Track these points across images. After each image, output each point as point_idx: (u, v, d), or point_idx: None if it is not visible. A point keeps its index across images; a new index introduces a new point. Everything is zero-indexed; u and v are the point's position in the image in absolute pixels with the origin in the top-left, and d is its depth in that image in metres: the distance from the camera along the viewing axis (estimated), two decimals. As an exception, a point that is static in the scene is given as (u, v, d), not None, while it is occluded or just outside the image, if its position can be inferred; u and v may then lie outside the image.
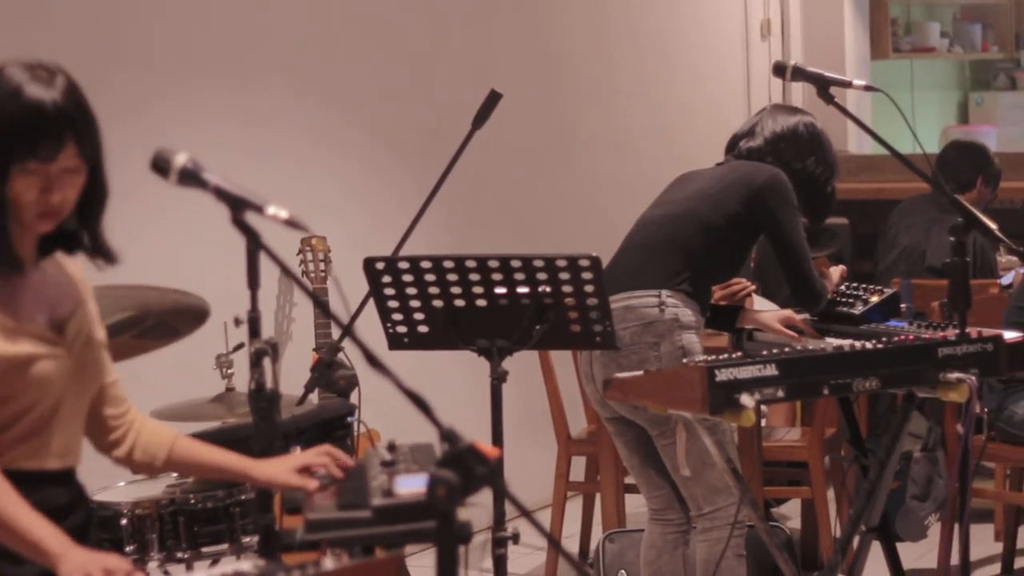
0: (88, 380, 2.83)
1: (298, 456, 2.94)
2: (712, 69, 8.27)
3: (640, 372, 4.05)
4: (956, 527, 4.59)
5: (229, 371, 4.68)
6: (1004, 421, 5.44)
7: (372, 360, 2.34)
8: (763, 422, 5.80)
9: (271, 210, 2.63)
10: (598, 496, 5.78)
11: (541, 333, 3.93)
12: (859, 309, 4.57)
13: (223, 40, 5.69)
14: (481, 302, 3.94)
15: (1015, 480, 5.80)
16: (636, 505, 5.71)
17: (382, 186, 6.28)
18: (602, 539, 5.25)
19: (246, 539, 4.02)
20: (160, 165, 2.68)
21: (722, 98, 8.25)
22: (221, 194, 2.65)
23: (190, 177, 2.67)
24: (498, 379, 3.91)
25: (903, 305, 4.67)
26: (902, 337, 4.10)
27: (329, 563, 2.31)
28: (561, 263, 3.88)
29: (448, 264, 3.91)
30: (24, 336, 2.70)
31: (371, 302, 4.05)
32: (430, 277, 3.93)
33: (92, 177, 2.72)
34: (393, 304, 4.00)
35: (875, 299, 4.58)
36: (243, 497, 4.02)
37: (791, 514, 6.33)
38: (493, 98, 4.35)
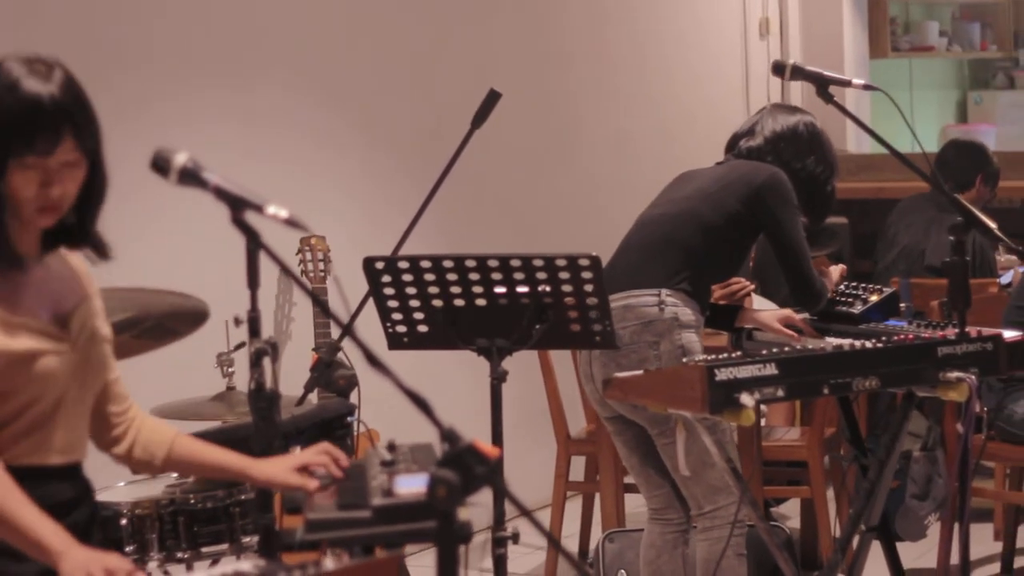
0: (92, 375, 2.83)
1: (297, 455, 2.94)
2: (711, 68, 8.27)
3: (640, 371, 4.05)
4: (956, 526, 4.59)
5: (230, 370, 4.69)
6: (1004, 420, 5.44)
7: (372, 360, 2.34)
8: (763, 421, 5.80)
9: (271, 209, 2.63)
10: (597, 496, 5.77)
11: (541, 333, 3.93)
12: (858, 308, 4.57)
13: (223, 40, 5.69)
14: (481, 302, 3.94)
15: (1015, 479, 5.80)
16: (635, 505, 5.71)
17: (381, 186, 6.28)
18: (602, 539, 5.25)
19: (246, 539, 4.02)
20: (160, 164, 2.68)
21: (721, 97, 8.25)
22: (221, 193, 2.65)
23: (190, 176, 2.67)
24: (498, 379, 3.91)
25: (902, 304, 4.68)
26: (902, 336, 4.10)
27: (329, 563, 2.31)
28: (561, 263, 3.88)
29: (448, 264, 3.91)
30: (25, 331, 2.70)
31: (370, 302, 4.05)
32: (430, 277, 3.93)
33: (92, 171, 2.72)
34: (393, 304, 4.00)
35: (874, 298, 4.58)
36: (243, 497, 4.01)
37: (791, 514, 6.33)
38: (492, 97, 4.35)
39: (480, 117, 4.35)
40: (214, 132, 5.54)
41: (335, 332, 5.18)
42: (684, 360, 4.03)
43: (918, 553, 5.72)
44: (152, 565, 3.94)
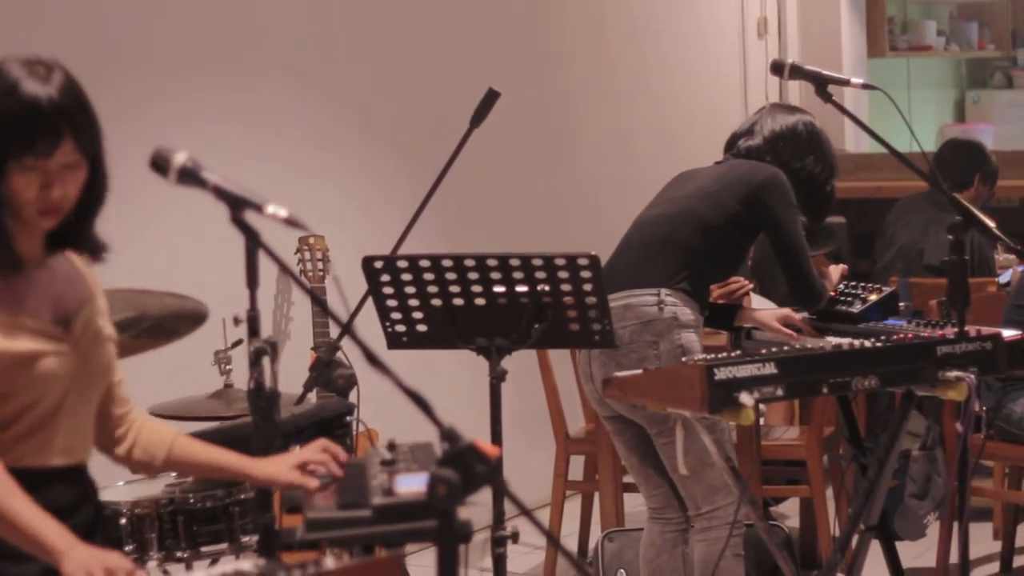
0: (96, 376, 2.83)
1: (296, 453, 2.93)
2: (709, 68, 8.28)
3: (639, 371, 4.06)
4: (955, 525, 4.59)
5: (227, 367, 4.69)
6: (1003, 419, 5.45)
7: (372, 359, 2.34)
8: (761, 421, 5.80)
9: (270, 209, 2.63)
10: (596, 495, 5.78)
11: (540, 332, 3.93)
12: (857, 308, 4.57)
13: (223, 40, 5.69)
14: (480, 301, 3.94)
15: (1014, 478, 5.81)
16: (635, 504, 5.71)
17: (381, 186, 6.28)
18: (601, 538, 5.25)
19: (245, 538, 4.02)
20: (159, 164, 2.68)
21: (719, 97, 8.25)
22: (220, 193, 2.65)
23: (189, 176, 2.67)
24: (497, 378, 3.91)
25: (901, 304, 4.68)
26: (901, 336, 4.10)
27: (329, 562, 2.31)
28: (560, 262, 3.88)
29: (447, 263, 3.91)
30: (26, 333, 2.70)
31: (369, 301, 4.05)
32: (429, 276, 3.93)
33: (92, 173, 2.72)
34: (392, 303, 4.00)
35: (873, 298, 4.59)
36: (242, 496, 4.02)
37: (790, 513, 6.34)
38: (491, 97, 4.35)
39: (479, 116, 4.35)
40: (214, 132, 5.54)
41: (334, 331, 5.19)
42: (683, 359, 4.03)
43: (917, 552, 5.72)
44: (151, 564, 3.94)
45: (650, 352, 4.40)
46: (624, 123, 7.61)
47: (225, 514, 4.01)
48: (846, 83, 4.21)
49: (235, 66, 5.73)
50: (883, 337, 4.05)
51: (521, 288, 3.91)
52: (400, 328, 4.03)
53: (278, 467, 2.88)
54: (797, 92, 8.15)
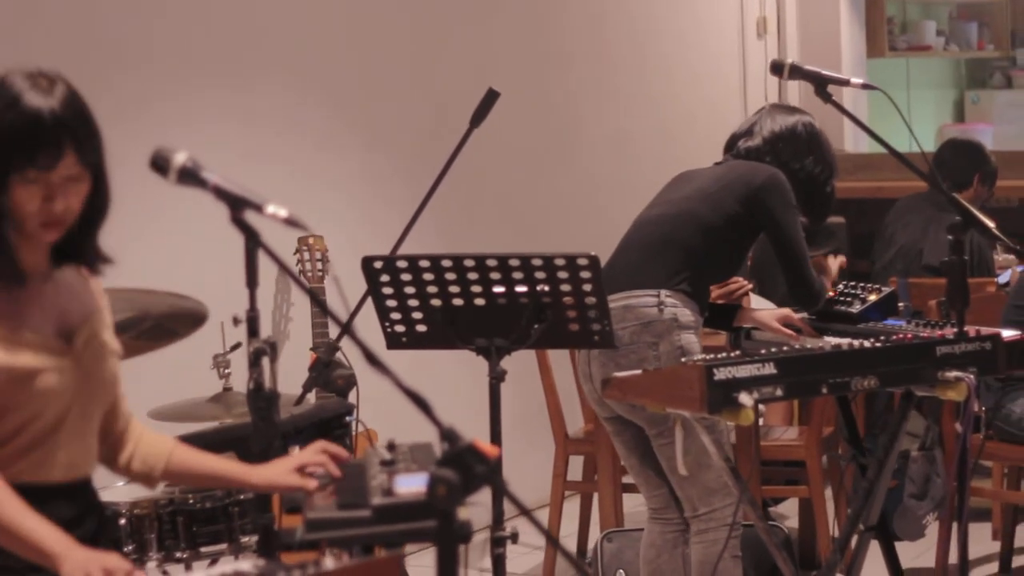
0: (99, 391, 2.82)
1: (295, 456, 2.93)
2: (709, 68, 8.28)
3: (638, 371, 4.06)
4: (954, 526, 4.59)
5: (226, 371, 4.69)
6: (1002, 420, 5.45)
7: (371, 359, 2.34)
8: (760, 421, 5.81)
9: (270, 209, 2.63)
10: (596, 495, 5.77)
11: (539, 332, 3.93)
12: (857, 308, 4.57)
13: (223, 40, 5.69)
14: (479, 301, 3.94)
15: (1013, 479, 5.81)
16: (634, 505, 5.72)
17: (381, 187, 6.28)
18: (600, 539, 5.25)
19: (245, 539, 4.02)
20: (159, 164, 2.68)
21: (719, 97, 8.25)
22: (220, 193, 2.65)
23: (189, 176, 2.67)
24: (496, 378, 3.91)
25: (901, 304, 4.68)
26: (900, 336, 4.10)
27: (329, 563, 2.31)
28: (559, 262, 3.88)
29: (446, 263, 3.91)
30: (27, 347, 2.69)
31: (369, 301, 4.05)
32: (428, 276, 3.93)
33: (95, 185, 2.72)
34: (391, 303, 4.00)
35: (873, 298, 4.59)
36: (242, 497, 4.02)
37: (789, 513, 6.34)
38: (491, 96, 4.35)
39: (478, 116, 4.35)
40: (214, 132, 5.54)
41: (333, 332, 5.18)
42: (683, 360, 4.03)
43: (916, 553, 5.72)
44: (151, 565, 3.94)
45: (650, 353, 4.40)
46: (624, 123, 7.61)
47: (224, 514, 4.01)
48: (846, 83, 4.22)
49: (235, 66, 5.73)
50: (882, 337, 4.05)
51: (521, 288, 3.91)
52: (399, 328, 4.03)
53: (276, 471, 2.87)
54: (796, 92, 8.15)
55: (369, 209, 6.19)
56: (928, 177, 4.29)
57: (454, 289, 3.94)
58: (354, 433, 4.53)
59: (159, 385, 4.63)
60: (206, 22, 5.63)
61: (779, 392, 3.75)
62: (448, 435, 2.17)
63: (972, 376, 3.88)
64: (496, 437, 3.90)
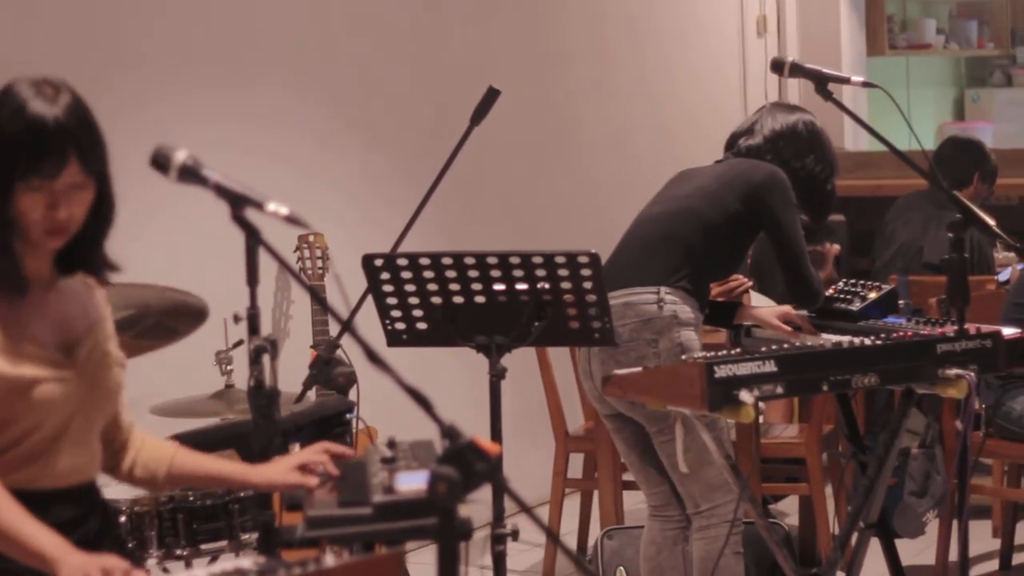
0: (102, 401, 2.82)
1: (295, 455, 2.94)
2: (709, 66, 8.28)
3: (639, 369, 4.06)
4: (954, 523, 4.59)
5: (228, 368, 4.69)
6: (1002, 417, 5.45)
7: (372, 356, 2.34)
8: (761, 419, 5.81)
9: (271, 206, 2.63)
10: (596, 493, 5.78)
11: (540, 330, 3.93)
12: (857, 305, 4.58)
13: (223, 40, 5.69)
14: (480, 299, 3.94)
15: (1013, 476, 5.81)
16: (634, 502, 5.72)
17: (381, 186, 6.28)
18: (600, 536, 5.25)
19: (245, 536, 4.02)
20: (160, 161, 2.68)
21: (719, 95, 8.25)
22: (221, 190, 2.65)
23: (190, 173, 2.67)
24: (496, 376, 3.92)
25: (901, 301, 4.68)
26: (900, 333, 4.10)
27: (329, 560, 2.31)
28: (560, 260, 3.88)
29: (447, 261, 3.92)
30: (27, 359, 2.69)
31: (369, 299, 4.05)
32: (428, 274, 3.94)
33: (100, 194, 2.72)
34: (392, 301, 4.00)
35: (873, 295, 4.59)
36: (242, 494, 4.02)
37: (789, 511, 6.34)
38: (491, 95, 4.35)
39: (479, 114, 4.35)
40: (214, 132, 5.54)
41: (334, 329, 5.19)
42: (683, 357, 4.03)
43: (917, 550, 5.73)
44: (151, 562, 3.94)
45: (649, 350, 4.40)
46: (624, 123, 7.61)
47: (225, 512, 4.01)
48: (846, 81, 4.22)
49: (235, 66, 5.73)
50: (883, 335, 4.06)
51: (521, 286, 3.91)
52: (400, 326, 4.03)
53: (277, 470, 2.88)
54: (797, 91, 8.15)
55: (369, 209, 6.19)
56: (928, 175, 4.29)
57: (454, 287, 3.94)
58: (355, 431, 4.53)
59: (161, 381, 4.64)
60: (206, 22, 5.63)
61: (779, 390, 3.75)
62: (449, 432, 2.17)
63: (972, 374, 3.89)
64: (496, 434, 3.91)
